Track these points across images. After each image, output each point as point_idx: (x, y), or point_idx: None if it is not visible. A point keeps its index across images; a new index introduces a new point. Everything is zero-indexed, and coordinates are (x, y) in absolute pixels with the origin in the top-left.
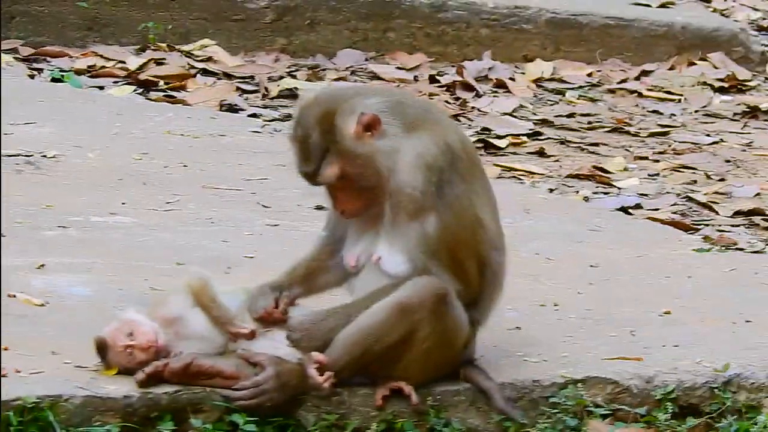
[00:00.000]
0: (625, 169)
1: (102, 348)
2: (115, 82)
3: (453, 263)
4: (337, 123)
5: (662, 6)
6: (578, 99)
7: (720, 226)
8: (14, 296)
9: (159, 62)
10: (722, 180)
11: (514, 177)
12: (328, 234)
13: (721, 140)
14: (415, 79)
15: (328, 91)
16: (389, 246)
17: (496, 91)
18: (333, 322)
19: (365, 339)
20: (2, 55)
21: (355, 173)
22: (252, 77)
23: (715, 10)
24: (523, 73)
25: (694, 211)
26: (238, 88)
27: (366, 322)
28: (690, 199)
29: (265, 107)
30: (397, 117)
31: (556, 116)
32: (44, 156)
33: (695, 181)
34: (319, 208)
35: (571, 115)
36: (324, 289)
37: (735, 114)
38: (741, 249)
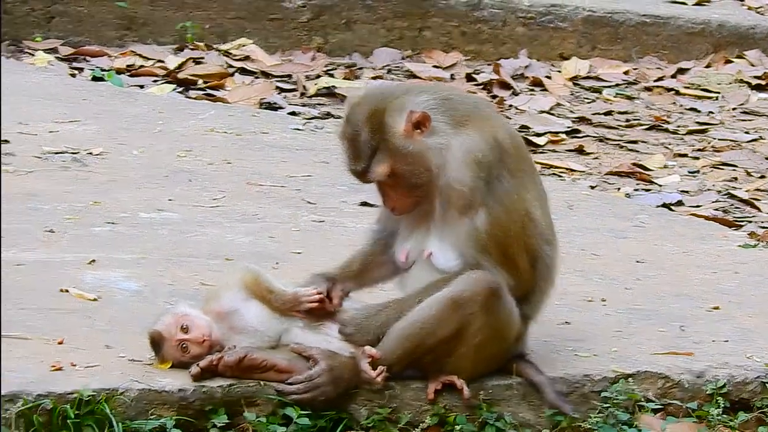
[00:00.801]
0: (665, 167)
1: (156, 342)
2: (155, 81)
3: (504, 258)
4: (387, 121)
5: (698, 4)
6: (615, 97)
7: (763, 222)
8: (67, 291)
9: (197, 61)
10: (762, 177)
11: (555, 174)
12: (380, 228)
13: (760, 137)
14: (452, 77)
15: (376, 89)
16: (440, 242)
17: (532, 90)
18: (385, 317)
19: (418, 333)
20: (43, 54)
21: (405, 171)
22: (290, 76)
23: (750, 8)
24: (560, 71)
25: (736, 207)
26: (276, 87)
27: (418, 316)
28: (731, 195)
29: (304, 105)
30: (445, 114)
31: (594, 114)
32: (90, 153)
33: (735, 178)
34: (364, 204)
35: (608, 113)
36: (376, 283)
37: None
38: None
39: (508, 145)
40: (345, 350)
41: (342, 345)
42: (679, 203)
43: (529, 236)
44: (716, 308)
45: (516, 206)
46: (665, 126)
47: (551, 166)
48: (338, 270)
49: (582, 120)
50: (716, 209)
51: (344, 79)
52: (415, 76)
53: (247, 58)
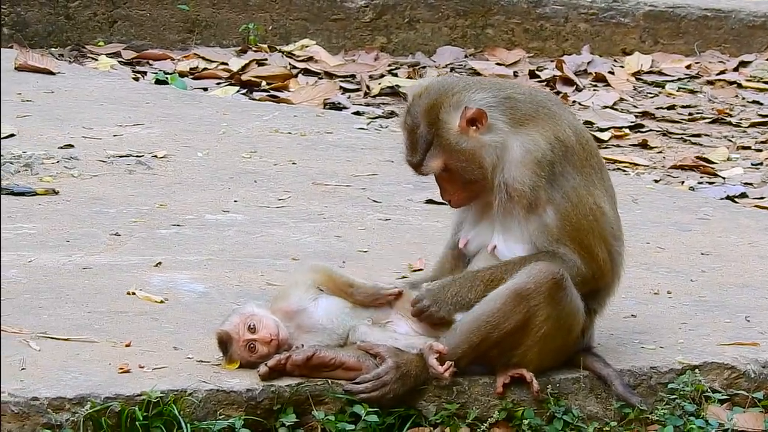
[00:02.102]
0: (729, 159)
1: (224, 342)
2: (218, 84)
3: (581, 248)
4: (442, 116)
5: None
6: (678, 91)
7: None
8: (134, 293)
9: (260, 63)
10: None
11: (619, 169)
12: (458, 218)
13: None
14: (515, 74)
15: (439, 81)
16: (504, 236)
17: (596, 85)
18: (458, 287)
19: (483, 327)
20: (105, 58)
21: (459, 166)
22: (353, 76)
23: None
24: (622, 67)
25: None
26: (340, 87)
27: (483, 310)
28: None
29: (368, 105)
30: (505, 112)
31: (657, 108)
32: (155, 156)
33: None
34: (430, 202)
35: (671, 107)
36: None
37: None
38: None
39: (573, 142)
40: (412, 347)
41: (409, 342)
42: (743, 195)
43: (603, 228)
44: None
45: (584, 201)
46: (728, 119)
47: (615, 161)
48: (432, 272)
49: (645, 114)
50: None
51: (408, 78)
52: (478, 74)
53: (310, 58)
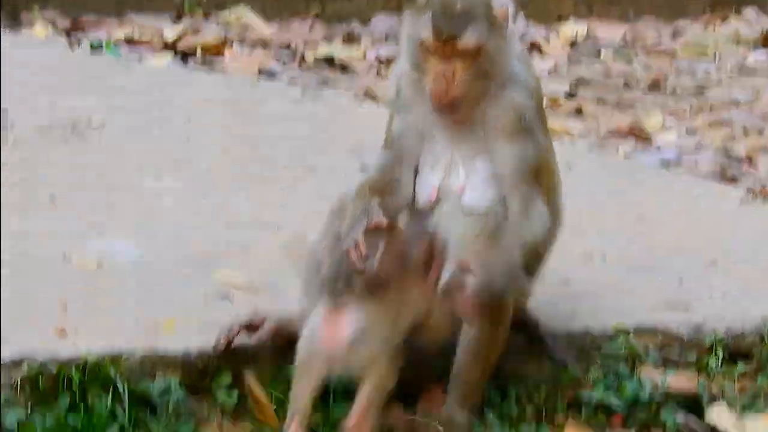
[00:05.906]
0: (663, 127)
1: None
2: (153, 52)
3: (550, 194)
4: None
5: None
6: (613, 58)
7: (760, 179)
8: (70, 258)
9: (195, 31)
10: (760, 134)
11: (553, 136)
12: (387, 157)
13: (758, 96)
14: None
15: None
16: (476, 173)
17: (530, 53)
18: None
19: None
20: (40, 26)
21: (490, 53)
22: (288, 45)
23: None
24: (557, 34)
25: (734, 165)
26: (275, 56)
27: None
28: (729, 153)
29: (303, 73)
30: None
31: (592, 76)
32: (89, 124)
33: (733, 137)
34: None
35: (606, 75)
36: None
37: None
38: None
39: (542, 100)
40: None
41: None
42: (678, 162)
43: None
44: (714, 263)
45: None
46: (663, 86)
47: (550, 129)
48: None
49: (580, 82)
50: (714, 167)
51: (343, 46)
52: None
53: (245, 27)
